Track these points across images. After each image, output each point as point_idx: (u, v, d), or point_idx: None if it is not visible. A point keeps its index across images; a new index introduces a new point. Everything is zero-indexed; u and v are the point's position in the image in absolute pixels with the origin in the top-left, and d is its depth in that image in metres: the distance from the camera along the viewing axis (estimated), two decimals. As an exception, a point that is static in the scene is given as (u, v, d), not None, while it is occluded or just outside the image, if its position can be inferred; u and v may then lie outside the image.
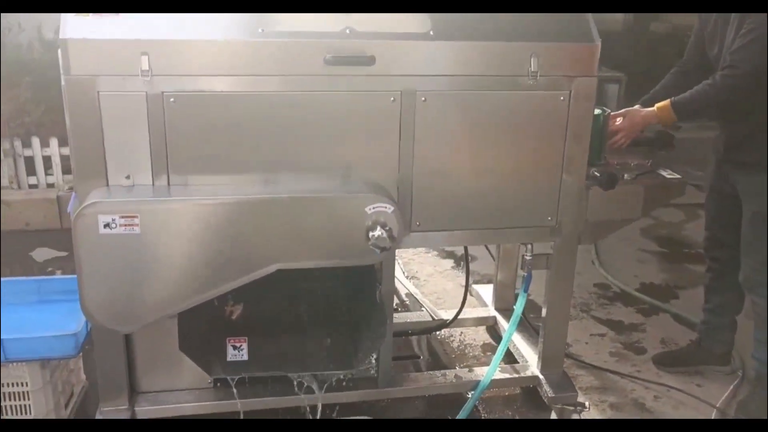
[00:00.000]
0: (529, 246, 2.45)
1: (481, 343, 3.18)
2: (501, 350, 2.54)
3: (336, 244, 2.15)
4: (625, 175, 2.41)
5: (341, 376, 2.41)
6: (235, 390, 2.29)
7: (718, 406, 2.76)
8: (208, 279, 2.10)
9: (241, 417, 2.34)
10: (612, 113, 2.49)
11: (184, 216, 2.04)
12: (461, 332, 3.23)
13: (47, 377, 2.36)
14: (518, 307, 2.50)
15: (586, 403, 2.57)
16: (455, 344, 3.16)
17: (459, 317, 2.96)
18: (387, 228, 2.11)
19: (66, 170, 4.35)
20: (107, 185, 2.08)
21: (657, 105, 2.48)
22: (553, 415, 2.57)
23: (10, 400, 2.34)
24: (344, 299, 2.48)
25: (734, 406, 2.75)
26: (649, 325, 3.39)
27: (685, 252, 4.28)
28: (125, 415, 2.29)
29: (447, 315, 3.10)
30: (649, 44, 6.33)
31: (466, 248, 2.90)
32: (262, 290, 2.23)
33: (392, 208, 2.13)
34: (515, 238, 2.43)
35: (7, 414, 2.35)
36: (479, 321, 3.12)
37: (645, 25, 7.18)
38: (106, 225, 2.00)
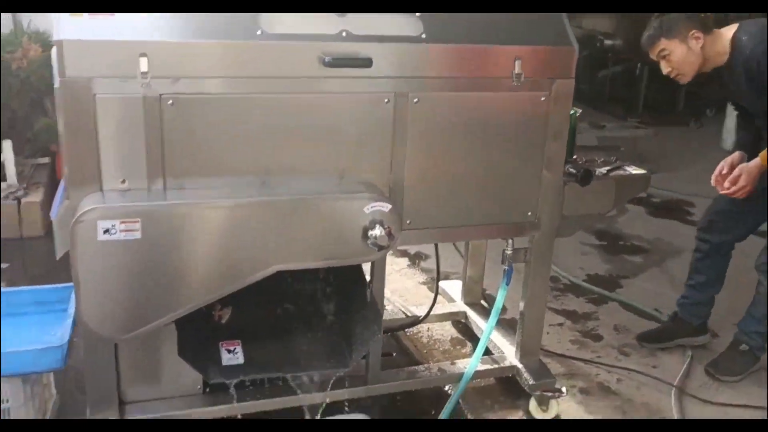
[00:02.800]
0: (510, 241, 2.55)
1: (449, 337, 3.26)
2: (483, 342, 2.62)
3: (335, 244, 2.17)
4: (597, 171, 2.55)
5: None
6: (234, 393, 2.27)
7: (675, 384, 2.97)
8: (209, 283, 2.08)
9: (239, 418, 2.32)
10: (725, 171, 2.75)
11: (186, 219, 2.01)
12: (428, 328, 3.31)
13: (28, 393, 2.26)
14: (499, 300, 2.60)
15: (563, 389, 2.70)
16: (424, 340, 3.23)
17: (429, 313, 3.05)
18: (386, 227, 2.16)
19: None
20: (101, 190, 2.03)
21: (760, 155, 2.69)
22: (532, 403, 2.68)
23: (-11, 418, 2.23)
24: (333, 298, 2.51)
25: (687, 385, 2.98)
26: (601, 314, 3.58)
27: (621, 244, 4.54)
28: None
29: (416, 312, 3.19)
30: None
31: (436, 245, 2.97)
32: (248, 292, 2.22)
33: (389, 207, 2.18)
34: (498, 233, 2.52)
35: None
36: (449, 316, 3.21)
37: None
38: (106, 231, 1.94)
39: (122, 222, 1.95)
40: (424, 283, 3.82)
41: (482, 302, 3.22)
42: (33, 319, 2.48)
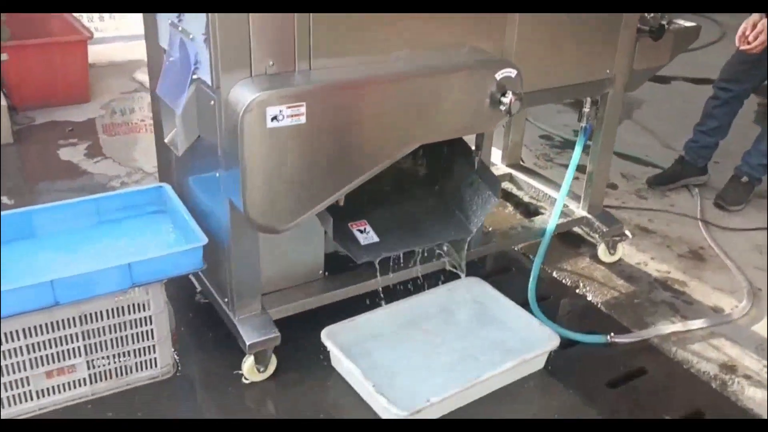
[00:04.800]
0: (588, 99, 2.68)
1: (487, 200, 3.41)
2: (561, 198, 2.79)
3: (470, 113, 2.19)
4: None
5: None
6: (378, 268, 2.31)
7: (698, 217, 3.33)
8: (365, 161, 2.06)
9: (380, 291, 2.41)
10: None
11: (347, 99, 1.95)
12: (463, 194, 3.43)
13: (165, 297, 2.17)
14: (576, 155, 2.76)
15: (628, 233, 2.96)
16: (466, 205, 3.36)
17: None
18: (516, 92, 2.20)
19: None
20: (251, 75, 1.90)
21: None
22: (601, 248, 2.92)
23: (131, 328, 2.13)
24: (439, 169, 2.55)
25: (705, 217, 3.35)
26: (604, 165, 3.86)
27: (587, 100, 4.81)
28: (262, 319, 2.22)
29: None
30: None
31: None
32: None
33: (515, 72, 2.21)
34: (583, 92, 2.63)
35: (127, 344, 2.14)
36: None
37: None
38: (274, 118, 1.85)
39: (289, 107, 1.87)
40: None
41: (521, 162, 3.37)
42: (129, 225, 2.34)
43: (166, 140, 2.22)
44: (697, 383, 2.37)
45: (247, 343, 2.15)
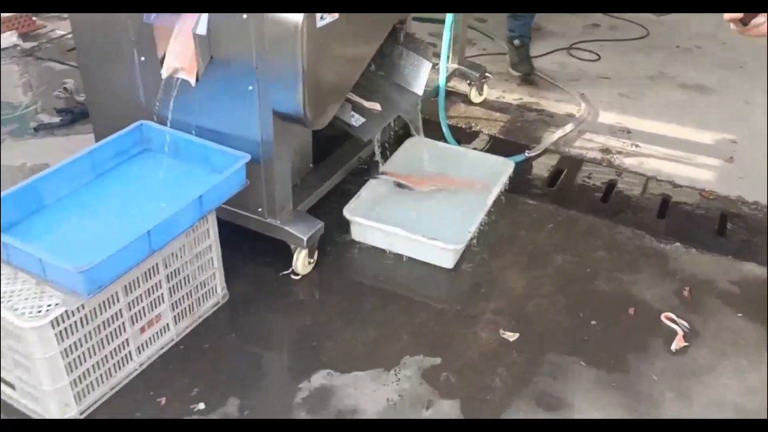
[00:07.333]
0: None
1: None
2: (444, 56, 3.21)
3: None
4: None
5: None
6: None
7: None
8: (370, 41, 2.33)
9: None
10: None
11: (358, -9, 2.14)
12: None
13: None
14: (449, 18, 3.18)
15: (489, 74, 3.54)
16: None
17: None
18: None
19: None
20: (278, -16, 1.98)
21: None
22: (472, 92, 3.48)
23: (198, 260, 2.14)
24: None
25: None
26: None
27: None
28: (300, 216, 2.40)
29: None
30: None
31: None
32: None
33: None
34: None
35: (197, 277, 2.16)
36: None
37: None
38: (322, 17, 1.99)
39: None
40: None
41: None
42: (127, 170, 2.24)
43: (166, 73, 2.15)
44: (595, 167, 3.12)
45: (304, 238, 2.31)
